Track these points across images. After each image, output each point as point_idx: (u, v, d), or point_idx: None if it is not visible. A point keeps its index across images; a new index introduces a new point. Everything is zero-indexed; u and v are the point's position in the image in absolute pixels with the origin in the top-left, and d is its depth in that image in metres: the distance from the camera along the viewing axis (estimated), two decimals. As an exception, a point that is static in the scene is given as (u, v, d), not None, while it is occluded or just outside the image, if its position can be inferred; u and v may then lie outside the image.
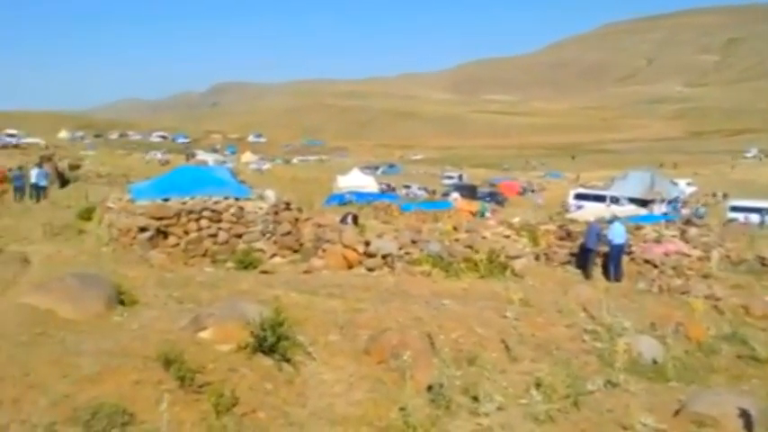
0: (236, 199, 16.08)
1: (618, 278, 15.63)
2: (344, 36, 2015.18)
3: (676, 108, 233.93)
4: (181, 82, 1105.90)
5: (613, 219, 17.58)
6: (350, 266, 14.50)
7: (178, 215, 15.01)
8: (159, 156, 66.78)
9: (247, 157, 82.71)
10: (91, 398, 5.23)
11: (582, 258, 16.33)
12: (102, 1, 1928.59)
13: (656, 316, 11.02)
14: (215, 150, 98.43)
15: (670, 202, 40.39)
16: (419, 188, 55.20)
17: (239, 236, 15.55)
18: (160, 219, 14.76)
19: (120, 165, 46.01)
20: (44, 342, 6.38)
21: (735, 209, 38.44)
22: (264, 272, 13.86)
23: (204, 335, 6.99)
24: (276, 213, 16.16)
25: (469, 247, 15.41)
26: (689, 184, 60.42)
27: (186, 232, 15.03)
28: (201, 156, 72.67)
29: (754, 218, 35.18)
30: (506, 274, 14.22)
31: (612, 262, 15.86)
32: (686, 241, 17.64)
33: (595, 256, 16.18)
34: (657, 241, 17.30)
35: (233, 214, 15.67)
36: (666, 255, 16.24)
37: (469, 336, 8.69)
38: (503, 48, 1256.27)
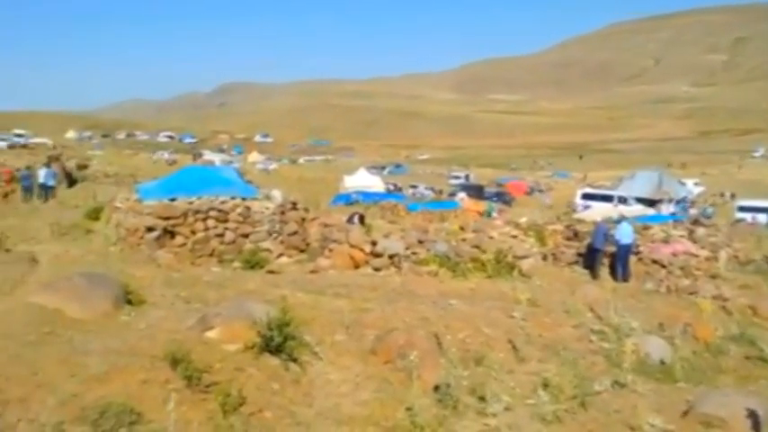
0: (243, 199, 16.10)
1: (625, 278, 15.59)
2: (349, 36, 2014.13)
3: (684, 108, 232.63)
4: (186, 82, 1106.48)
5: (621, 219, 17.53)
6: (356, 266, 14.52)
7: (185, 215, 15.04)
8: (166, 156, 66.82)
9: (254, 157, 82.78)
10: (98, 397, 5.25)
11: (589, 258, 16.30)
12: (105, 1, 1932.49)
13: (663, 316, 10.98)
14: (222, 150, 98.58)
15: (678, 202, 40.27)
16: (426, 188, 55.07)
17: (246, 236, 15.56)
18: (167, 218, 14.79)
19: (128, 165, 46.03)
20: (52, 341, 6.41)
21: (742, 209, 38.24)
22: (271, 272, 13.86)
23: (211, 334, 7.01)
24: (283, 213, 16.17)
25: (476, 247, 15.40)
26: (696, 184, 60.01)
27: (193, 232, 15.05)
28: (208, 156, 72.68)
29: (762, 218, 34.96)
30: (514, 275, 14.22)
31: (620, 262, 15.81)
32: (694, 241, 17.57)
33: (603, 256, 16.15)
34: (665, 241, 17.25)
35: (240, 214, 15.68)
36: (674, 255, 16.18)
37: (477, 336, 8.69)
38: (508, 47, 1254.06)
